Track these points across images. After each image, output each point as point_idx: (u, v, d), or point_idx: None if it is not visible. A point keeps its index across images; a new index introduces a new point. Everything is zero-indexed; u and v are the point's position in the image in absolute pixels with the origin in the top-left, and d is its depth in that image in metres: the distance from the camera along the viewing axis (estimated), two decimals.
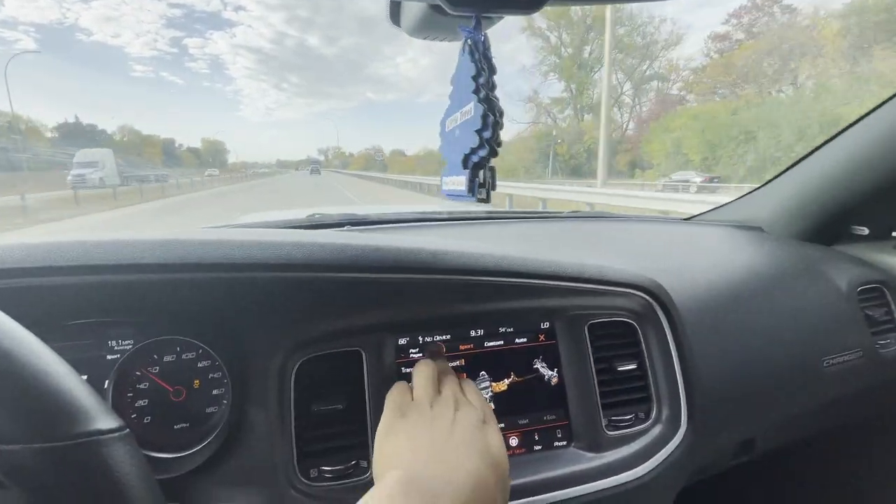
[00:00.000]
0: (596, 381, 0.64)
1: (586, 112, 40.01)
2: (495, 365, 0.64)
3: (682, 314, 0.68)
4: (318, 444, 0.53)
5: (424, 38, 0.43)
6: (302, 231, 0.67)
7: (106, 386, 0.52)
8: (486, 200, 0.36)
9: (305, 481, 0.52)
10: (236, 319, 0.53)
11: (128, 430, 0.27)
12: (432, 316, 0.63)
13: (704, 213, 1.32)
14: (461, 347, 0.64)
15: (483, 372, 0.63)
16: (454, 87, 0.39)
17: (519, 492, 0.56)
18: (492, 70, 0.34)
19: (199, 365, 0.57)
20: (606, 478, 0.59)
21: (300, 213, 1.10)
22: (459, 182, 0.37)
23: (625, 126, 37.70)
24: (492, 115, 0.33)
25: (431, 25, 0.39)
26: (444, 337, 0.64)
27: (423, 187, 20.66)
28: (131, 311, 0.52)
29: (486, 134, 0.34)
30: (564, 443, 0.63)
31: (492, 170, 0.35)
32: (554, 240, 1.03)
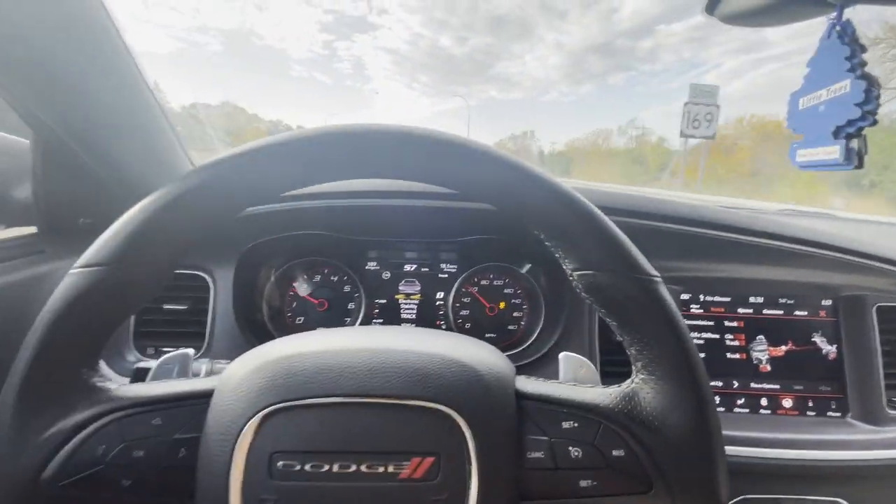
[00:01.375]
0: (881, 364, 0.66)
1: None
2: (773, 331, 0.71)
3: None
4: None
5: (742, 25, 0.49)
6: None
7: (441, 297, 0.81)
8: (861, 166, 0.39)
9: None
10: None
11: (660, 279, 0.34)
12: (717, 276, 0.71)
13: None
14: (739, 311, 0.72)
15: (760, 336, 0.71)
16: (812, 70, 0.44)
17: (789, 445, 0.62)
18: (863, 49, 0.39)
19: (506, 291, 0.80)
20: (885, 450, 0.62)
21: None
22: (829, 152, 0.41)
23: None
24: (875, 89, 0.37)
25: (764, 13, 0.44)
26: (724, 299, 0.72)
27: None
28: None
29: (869, 106, 0.37)
30: (839, 414, 0.68)
31: (864, 138, 0.39)
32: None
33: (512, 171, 0.34)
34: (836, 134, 0.41)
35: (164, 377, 0.42)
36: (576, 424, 0.33)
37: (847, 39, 0.40)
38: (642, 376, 0.34)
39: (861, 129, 0.39)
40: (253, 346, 0.69)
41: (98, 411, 0.33)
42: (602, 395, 0.35)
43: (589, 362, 0.43)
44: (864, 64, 0.38)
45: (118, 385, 0.35)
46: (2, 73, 0.51)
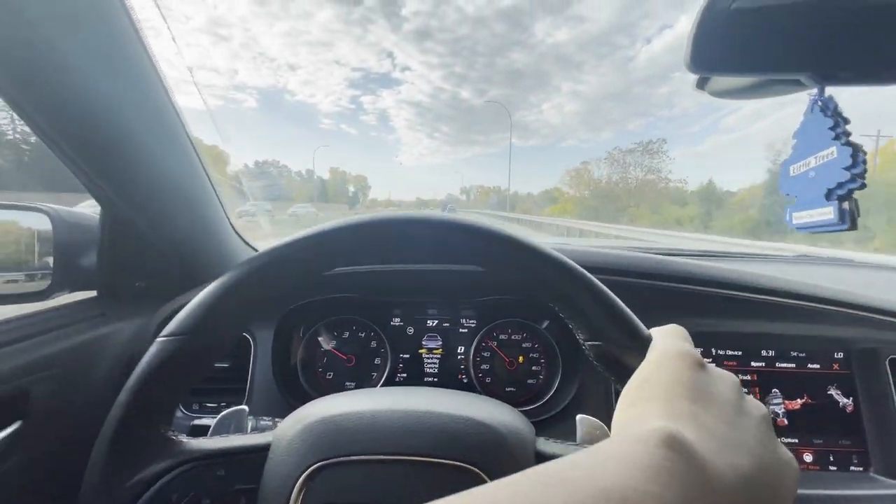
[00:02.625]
0: None
1: None
2: (788, 385, 0.73)
3: None
4: None
5: (730, 99, 0.52)
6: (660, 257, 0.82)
7: (462, 351, 0.85)
8: (854, 227, 0.42)
9: None
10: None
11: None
12: (728, 331, 0.74)
13: None
14: (752, 364, 0.73)
15: (775, 389, 0.72)
16: (799, 140, 0.47)
17: (814, 502, 0.62)
18: (846, 121, 0.42)
19: (524, 345, 0.84)
20: None
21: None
22: (823, 213, 0.44)
23: None
24: (861, 154, 0.40)
25: (749, 90, 0.48)
26: (735, 353, 0.74)
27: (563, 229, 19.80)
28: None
29: (857, 170, 0.40)
30: (861, 468, 0.68)
31: (855, 201, 0.42)
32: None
33: (527, 252, 0.39)
34: (829, 196, 0.43)
35: (223, 431, 0.46)
36: None
37: (829, 113, 0.43)
38: None
39: (851, 190, 0.41)
40: (288, 401, 0.73)
41: (172, 463, 0.38)
42: None
43: (603, 425, 0.46)
44: (848, 133, 0.42)
45: (188, 439, 0.40)
46: (77, 153, 0.58)
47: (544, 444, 0.40)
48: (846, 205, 0.42)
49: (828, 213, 0.43)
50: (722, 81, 0.52)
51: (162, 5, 0.73)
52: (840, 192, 0.42)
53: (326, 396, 0.44)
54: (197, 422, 0.69)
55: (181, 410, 0.76)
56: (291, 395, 0.77)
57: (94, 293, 0.74)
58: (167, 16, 0.76)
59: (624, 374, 0.37)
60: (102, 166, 0.61)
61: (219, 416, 0.47)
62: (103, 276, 0.72)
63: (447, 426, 0.38)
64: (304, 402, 0.44)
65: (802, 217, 0.47)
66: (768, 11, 0.41)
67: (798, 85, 0.46)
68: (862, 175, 0.40)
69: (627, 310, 0.38)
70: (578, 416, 0.47)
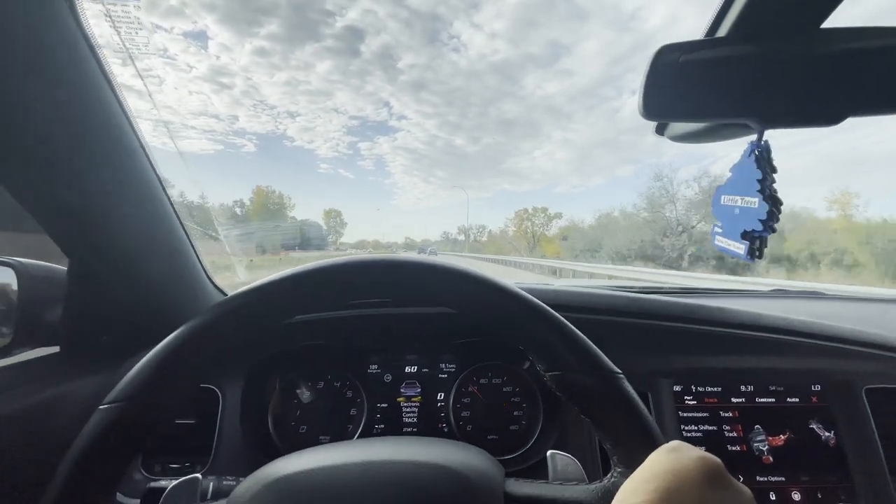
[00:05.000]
0: (880, 446, 0.66)
1: None
2: (769, 420, 0.72)
3: None
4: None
5: (686, 143, 0.57)
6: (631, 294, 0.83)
7: (441, 398, 0.83)
8: (761, 258, 0.47)
9: None
10: None
11: (622, 375, 0.38)
12: (706, 367, 0.74)
13: None
14: (733, 400, 0.73)
15: (758, 426, 0.72)
16: (734, 175, 0.50)
17: None
18: (774, 172, 0.45)
19: (505, 389, 0.83)
20: None
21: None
22: (737, 247, 0.49)
23: None
24: (776, 211, 0.44)
25: (703, 134, 0.53)
26: (715, 389, 0.74)
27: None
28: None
29: (771, 223, 0.44)
30: None
31: (765, 240, 0.46)
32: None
33: (480, 286, 0.40)
34: (744, 236, 0.48)
35: (175, 502, 0.43)
36: None
37: (762, 163, 0.46)
38: (619, 469, 0.36)
39: (764, 238, 0.47)
40: (258, 458, 0.70)
41: None
42: (585, 491, 0.37)
43: (574, 459, 0.45)
44: (772, 187, 0.45)
45: None
46: (38, 201, 0.57)
47: (514, 485, 0.39)
48: (756, 244, 0.47)
49: (741, 248, 0.49)
50: (678, 127, 0.56)
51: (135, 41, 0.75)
52: (754, 234, 0.47)
53: (284, 456, 0.42)
54: (153, 484, 0.65)
55: (140, 472, 0.71)
56: (262, 452, 0.73)
57: (56, 349, 0.72)
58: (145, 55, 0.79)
59: (587, 403, 0.37)
60: (66, 212, 0.59)
61: (168, 487, 0.44)
62: (67, 330, 0.70)
63: (409, 475, 0.37)
64: (273, 458, 0.42)
65: (722, 242, 0.52)
66: (713, 64, 0.44)
67: (745, 128, 0.50)
68: (772, 228, 0.45)
69: (586, 339, 0.39)
70: (549, 452, 0.45)
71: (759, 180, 0.46)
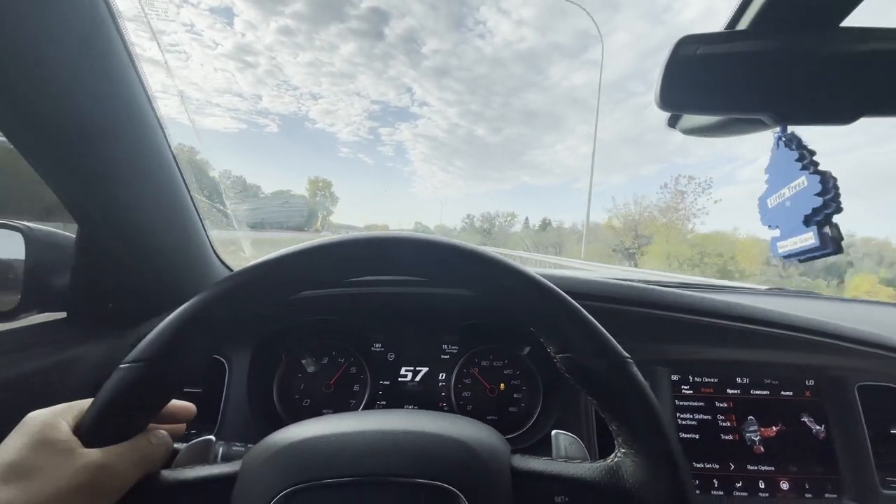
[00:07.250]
0: (869, 441, 0.68)
1: None
2: (762, 412, 0.74)
3: None
4: None
5: (698, 136, 0.55)
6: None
7: (443, 378, 0.85)
8: (840, 251, 0.42)
9: None
10: None
11: (630, 360, 0.38)
12: (704, 358, 0.76)
13: None
14: (728, 391, 0.75)
15: (751, 417, 0.74)
16: (771, 174, 0.49)
17: None
18: (812, 153, 0.44)
19: (506, 372, 0.84)
20: None
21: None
22: (804, 239, 0.45)
23: None
24: (831, 179, 0.42)
25: (715, 128, 0.52)
26: (712, 380, 0.76)
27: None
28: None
29: (829, 195, 0.41)
30: (835, 495, 0.69)
31: (837, 226, 0.42)
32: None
33: (496, 267, 0.40)
34: (807, 222, 0.44)
35: (188, 462, 0.44)
36: (567, 498, 0.37)
37: (794, 146, 0.45)
38: (623, 450, 0.38)
39: (828, 215, 0.43)
40: (263, 428, 0.71)
41: (132, 499, 0.36)
42: (589, 469, 0.38)
43: (577, 439, 0.46)
44: (815, 163, 0.43)
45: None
46: (53, 168, 0.56)
47: (520, 460, 0.40)
48: (826, 229, 0.43)
49: (809, 238, 0.45)
50: (691, 120, 0.55)
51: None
52: (817, 217, 0.43)
53: (298, 422, 0.43)
54: None
55: None
56: (266, 421, 0.74)
57: (63, 314, 0.72)
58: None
59: (596, 385, 0.38)
60: (80, 180, 0.59)
61: (184, 446, 0.45)
62: (74, 297, 0.70)
63: (421, 445, 0.38)
64: (278, 428, 0.43)
65: (787, 246, 0.48)
66: (731, 58, 0.44)
67: (760, 124, 0.49)
68: (835, 199, 0.42)
69: (598, 324, 0.39)
70: (553, 432, 0.46)
71: (796, 160, 0.45)
